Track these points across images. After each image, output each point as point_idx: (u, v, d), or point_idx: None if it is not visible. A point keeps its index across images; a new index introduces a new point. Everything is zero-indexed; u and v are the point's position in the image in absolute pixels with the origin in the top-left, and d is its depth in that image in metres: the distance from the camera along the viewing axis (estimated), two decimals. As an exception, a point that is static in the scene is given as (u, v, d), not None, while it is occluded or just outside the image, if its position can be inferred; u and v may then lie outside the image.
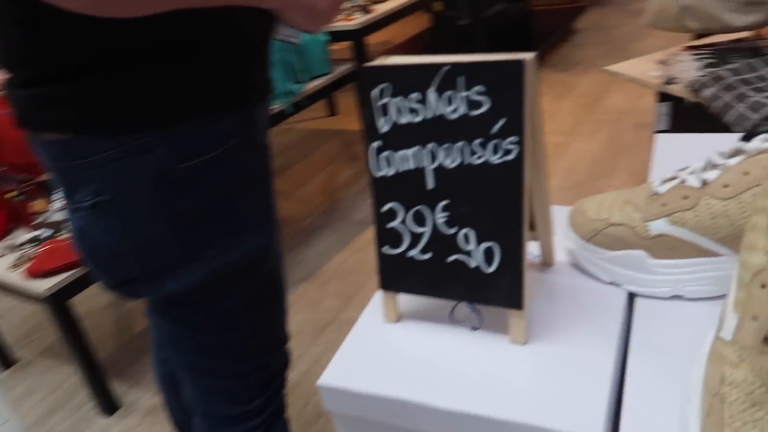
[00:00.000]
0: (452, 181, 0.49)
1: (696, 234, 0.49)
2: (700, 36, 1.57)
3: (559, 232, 0.62)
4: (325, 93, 2.23)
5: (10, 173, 1.46)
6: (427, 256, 0.51)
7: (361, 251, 2.14)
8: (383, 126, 0.50)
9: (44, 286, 1.27)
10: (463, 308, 0.55)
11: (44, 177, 1.49)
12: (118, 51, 0.51)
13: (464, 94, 0.46)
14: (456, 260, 0.50)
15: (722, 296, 0.51)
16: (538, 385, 0.46)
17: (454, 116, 0.47)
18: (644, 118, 2.70)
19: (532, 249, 0.60)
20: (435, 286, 0.52)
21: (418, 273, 0.52)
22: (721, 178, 0.48)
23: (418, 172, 0.50)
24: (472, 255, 0.50)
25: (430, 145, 0.49)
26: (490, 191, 0.48)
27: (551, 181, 2.27)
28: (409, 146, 0.50)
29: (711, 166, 0.50)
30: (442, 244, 0.51)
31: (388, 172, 0.52)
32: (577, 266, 0.58)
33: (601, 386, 0.45)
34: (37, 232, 1.44)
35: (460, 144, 0.48)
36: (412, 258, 0.52)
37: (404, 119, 0.49)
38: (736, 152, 0.49)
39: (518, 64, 0.44)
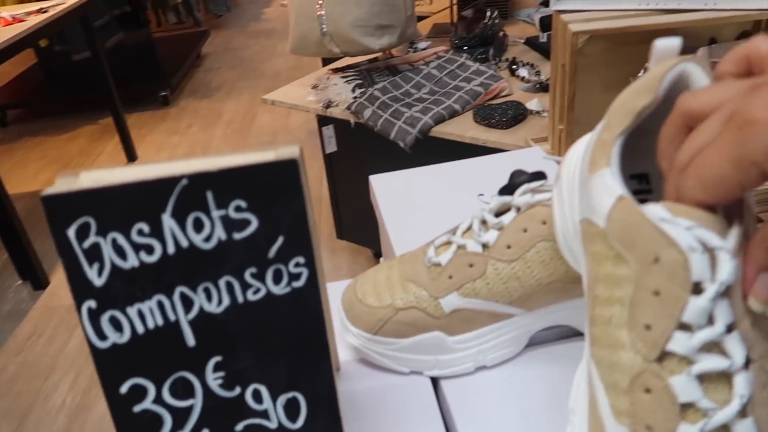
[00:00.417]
0: (223, 330, 0.35)
1: (490, 302, 0.46)
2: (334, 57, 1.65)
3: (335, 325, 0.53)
4: None
5: None
6: (203, 432, 0.37)
7: (24, 351, 1.72)
8: (96, 277, 0.33)
9: None
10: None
11: None
12: None
13: (219, 213, 0.33)
14: (249, 426, 0.37)
15: (517, 355, 0.49)
16: None
17: (210, 245, 0.34)
18: (298, 135, 2.80)
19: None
20: (223, 467, 0.37)
21: (194, 458, 0.37)
22: (501, 240, 0.45)
23: (170, 329, 0.35)
24: (268, 415, 0.37)
25: (180, 290, 0.34)
26: (280, 331, 0.35)
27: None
28: (146, 297, 0.34)
29: (485, 226, 0.47)
30: (223, 412, 0.37)
31: (119, 339, 0.35)
32: (369, 363, 0.50)
33: None
34: None
35: (225, 280, 0.34)
36: (180, 442, 0.36)
37: (130, 262, 0.33)
38: (505, 208, 0.47)
39: (290, 165, 0.32)
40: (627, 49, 1.01)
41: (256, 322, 0.35)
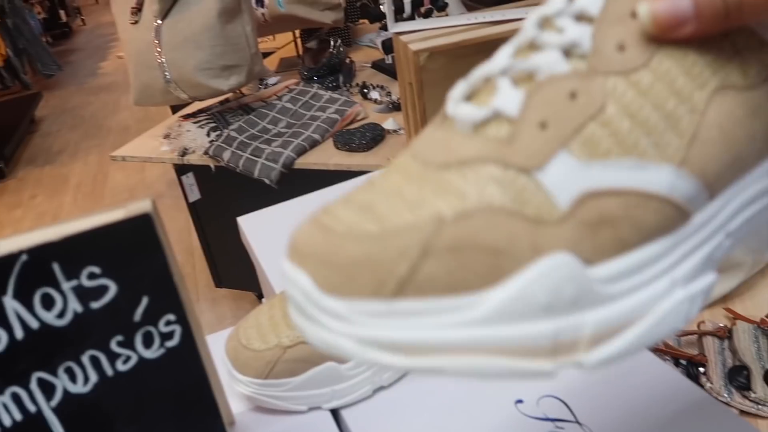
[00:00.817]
0: (96, 410, 0.32)
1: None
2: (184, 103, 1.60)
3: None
4: None
5: None
6: None
7: None
8: (-68, 382, 0.29)
9: None
10: None
11: None
12: None
13: (70, 285, 0.30)
14: None
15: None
16: None
17: (64, 321, 0.31)
18: (157, 188, 2.67)
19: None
20: None
21: None
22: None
23: (33, 422, 0.31)
24: (163, 490, 0.34)
25: (37, 376, 0.31)
26: (161, 397, 0.33)
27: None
28: (-3, 393, 0.30)
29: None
30: (110, 500, 0.33)
31: (-29, 447, 0.30)
32: (264, 409, 0.48)
33: None
34: None
35: (88, 355, 0.31)
36: None
37: (-28, 357, 0.30)
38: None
39: (144, 221, 0.30)
40: (466, 61, 1.07)
41: (131, 394, 0.33)
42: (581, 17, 0.23)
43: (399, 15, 1.10)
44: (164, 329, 0.32)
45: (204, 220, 1.63)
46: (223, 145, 1.40)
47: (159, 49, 1.41)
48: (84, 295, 0.31)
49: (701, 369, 0.68)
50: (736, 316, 0.67)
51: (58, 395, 0.31)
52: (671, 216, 0.22)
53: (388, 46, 1.68)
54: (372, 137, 1.30)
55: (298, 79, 1.70)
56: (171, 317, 0.32)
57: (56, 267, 0.30)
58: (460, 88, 0.24)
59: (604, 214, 0.21)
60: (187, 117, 1.60)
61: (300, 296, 0.22)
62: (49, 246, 0.29)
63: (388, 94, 1.56)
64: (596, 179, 0.21)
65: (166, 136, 1.54)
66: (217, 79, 1.44)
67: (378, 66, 1.74)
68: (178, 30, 1.40)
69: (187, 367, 0.33)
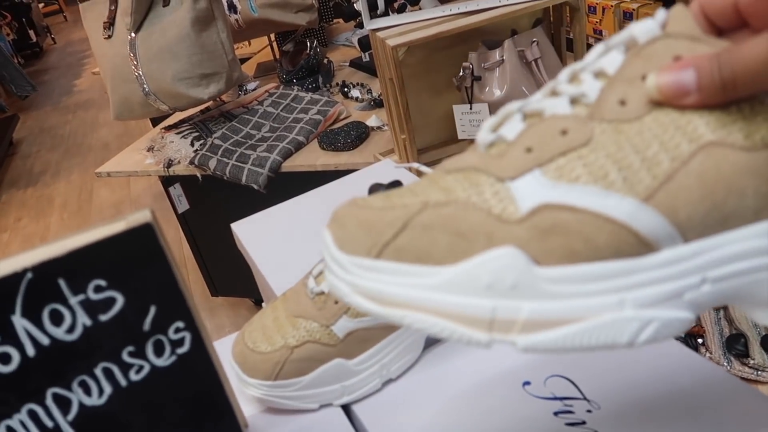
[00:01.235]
0: (112, 421, 0.32)
1: (377, 319, 0.46)
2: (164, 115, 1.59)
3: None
4: None
5: None
6: None
7: None
8: (-53, 406, 0.29)
9: None
10: None
11: None
12: None
13: (77, 300, 0.30)
14: None
15: (419, 359, 0.50)
16: None
17: (74, 336, 0.31)
18: (144, 202, 2.66)
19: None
20: None
21: None
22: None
23: (49, 439, 0.31)
24: (184, 496, 0.34)
25: (51, 392, 0.31)
26: (175, 404, 0.33)
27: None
28: (14, 411, 0.30)
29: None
30: None
31: (-10, 467, 0.31)
32: (276, 410, 0.48)
33: None
34: None
35: (101, 367, 0.31)
36: None
37: (-15, 378, 0.30)
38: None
39: (145, 230, 0.31)
40: (443, 53, 1.08)
41: (146, 403, 0.33)
42: (599, 74, 0.27)
43: (373, 12, 1.10)
44: (174, 336, 0.33)
45: (195, 230, 1.63)
46: (208, 153, 1.39)
47: (135, 62, 1.40)
48: (92, 308, 0.31)
49: (699, 340, 0.69)
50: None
51: (74, 409, 0.31)
52: (629, 242, 0.25)
53: (365, 44, 1.68)
54: (356, 135, 1.31)
55: (277, 83, 1.70)
56: (180, 324, 0.32)
57: (62, 282, 0.30)
58: (490, 120, 0.29)
59: (558, 224, 0.25)
60: (169, 128, 1.59)
61: (325, 251, 0.28)
62: (53, 262, 0.30)
63: (369, 91, 1.56)
64: (559, 196, 0.25)
65: (150, 149, 1.54)
66: (196, 88, 1.43)
67: (356, 64, 1.74)
68: (153, 41, 1.39)
69: (199, 373, 0.33)
